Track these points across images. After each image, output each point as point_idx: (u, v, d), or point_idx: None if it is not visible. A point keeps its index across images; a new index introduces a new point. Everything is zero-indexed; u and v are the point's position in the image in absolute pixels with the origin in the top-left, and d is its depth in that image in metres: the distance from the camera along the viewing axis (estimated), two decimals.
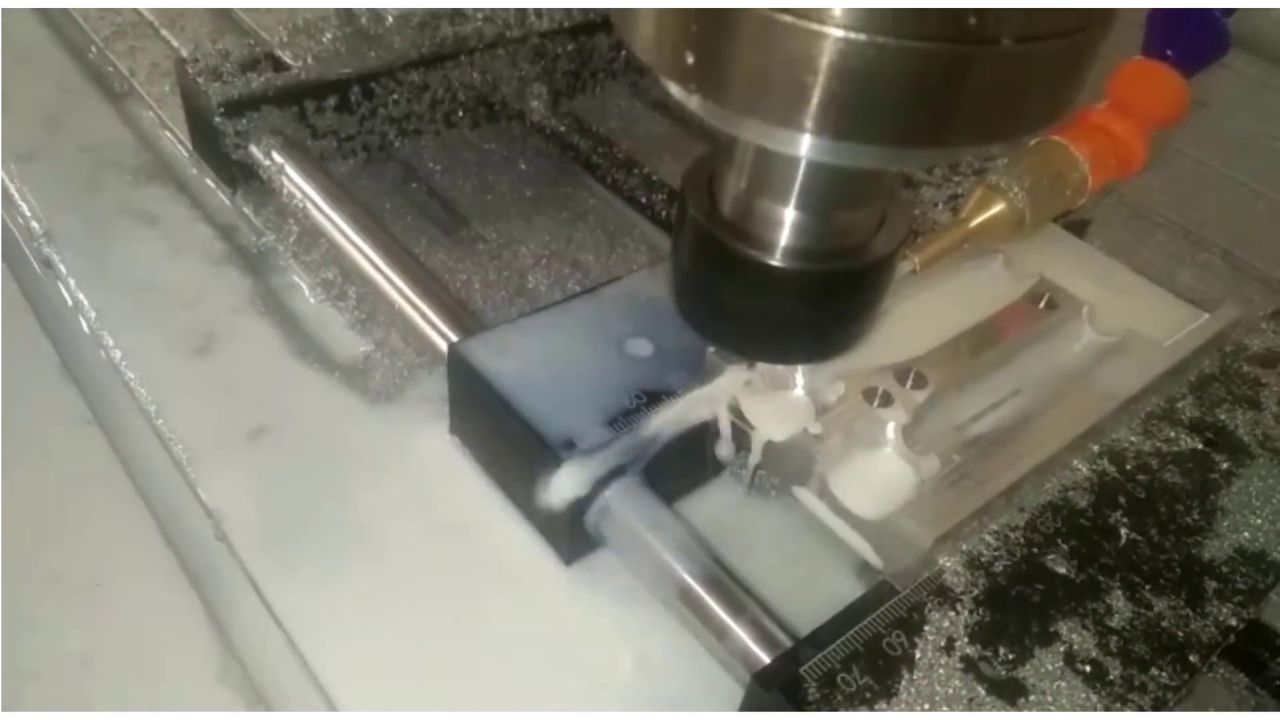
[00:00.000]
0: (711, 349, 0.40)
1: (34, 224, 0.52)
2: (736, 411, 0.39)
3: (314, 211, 0.50)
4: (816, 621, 0.33)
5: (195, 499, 0.41)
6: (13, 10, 0.69)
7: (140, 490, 0.42)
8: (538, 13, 0.60)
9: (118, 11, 0.70)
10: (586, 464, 0.37)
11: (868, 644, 0.32)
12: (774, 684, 0.30)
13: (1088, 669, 0.32)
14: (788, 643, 0.33)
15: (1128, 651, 0.32)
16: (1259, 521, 0.37)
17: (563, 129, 0.61)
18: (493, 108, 0.61)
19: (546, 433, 0.37)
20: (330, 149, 0.55)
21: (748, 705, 0.33)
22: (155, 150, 0.59)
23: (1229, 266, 0.60)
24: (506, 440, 0.39)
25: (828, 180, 0.32)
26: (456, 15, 0.58)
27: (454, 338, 0.43)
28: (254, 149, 0.53)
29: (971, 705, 0.30)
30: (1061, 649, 0.32)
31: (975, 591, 0.34)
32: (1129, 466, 0.39)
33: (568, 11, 0.61)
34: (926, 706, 0.30)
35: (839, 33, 0.23)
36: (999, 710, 0.30)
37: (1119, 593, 0.34)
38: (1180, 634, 0.33)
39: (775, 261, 0.33)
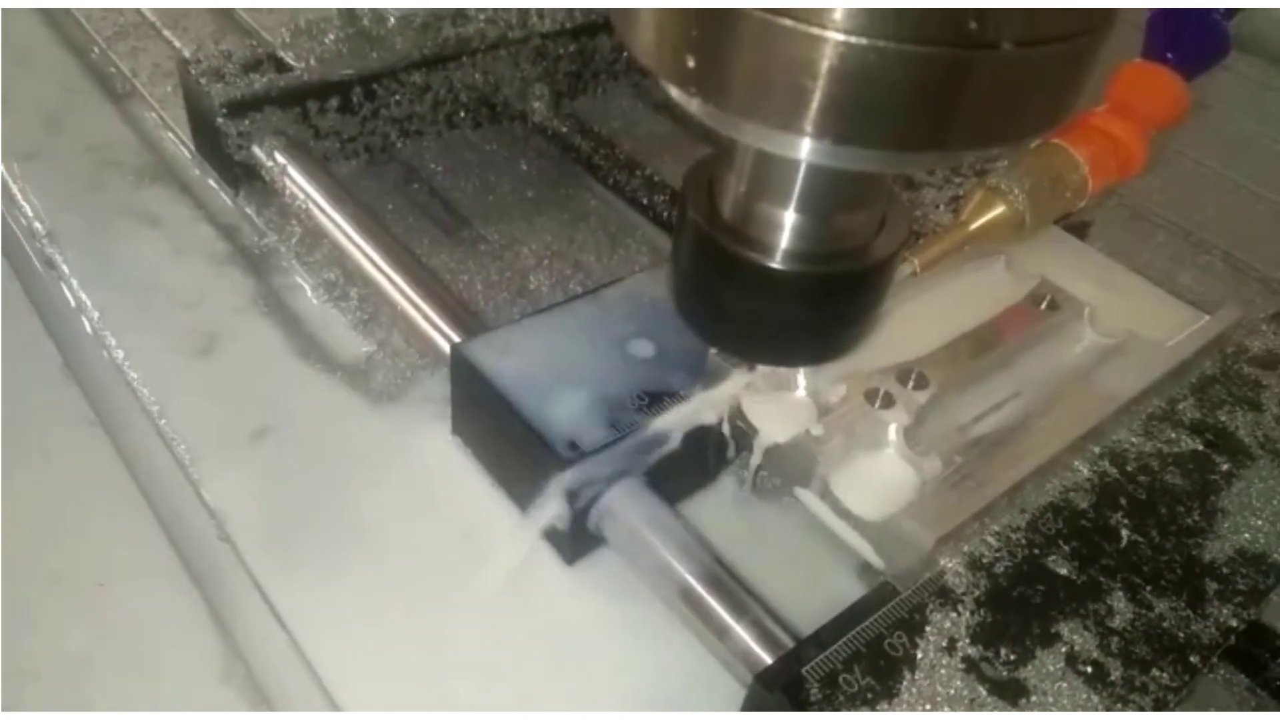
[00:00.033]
0: (714, 350, 0.40)
1: (36, 224, 0.52)
2: (738, 413, 0.39)
3: (316, 212, 0.51)
4: (818, 622, 0.33)
5: (198, 499, 0.41)
6: (15, 10, 0.69)
7: (143, 490, 0.42)
8: (540, 14, 0.60)
9: (120, 12, 0.70)
10: (588, 466, 0.37)
11: (869, 645, 0.32)
12: (776, 684, 0.30)
13: (1089, 670, 0.32)
14: (789, 643, 0.33)
15: (1129, 652, 0.33)
16: (1259, 523, 0.38)
17: (564, 130, 0.61)
18: (495, 109, 0.61)
19: (549, 434, 0.37)
20: (332, 150, 0.56)
21: (749, 705, 0.33)
22: (157, 151, 0.59)
23: (1229, 268, 0.61)
24: (509, 441, 0.40)
25: (828, 183, 0.32)
26: (459, 16, 0.58)
27: (456, 339, 0.43)
28: (256, 150, 0.53)
29: (973, 706, 0.31)
30: (1063, 650, 0.32)
31: (977, 592, 0.34)
32: (1130, 468, 0.39)
33: (569, 13, 0.62)
34: (928, 707, 0.30)
35: (839, 37, 0.23)
36: (1000, 710, 0.31)
37: (1120, 594, 0.34)
38: (1181, 635, 0.33)
39: (775, 264, 0.33)
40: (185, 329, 0.48)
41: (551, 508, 0.38)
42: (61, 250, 0.51)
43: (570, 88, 0.64)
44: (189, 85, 0.54)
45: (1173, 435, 0.41)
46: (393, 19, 0.57)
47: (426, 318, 0.45)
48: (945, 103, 0.25)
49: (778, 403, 0.39)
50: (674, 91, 0.29)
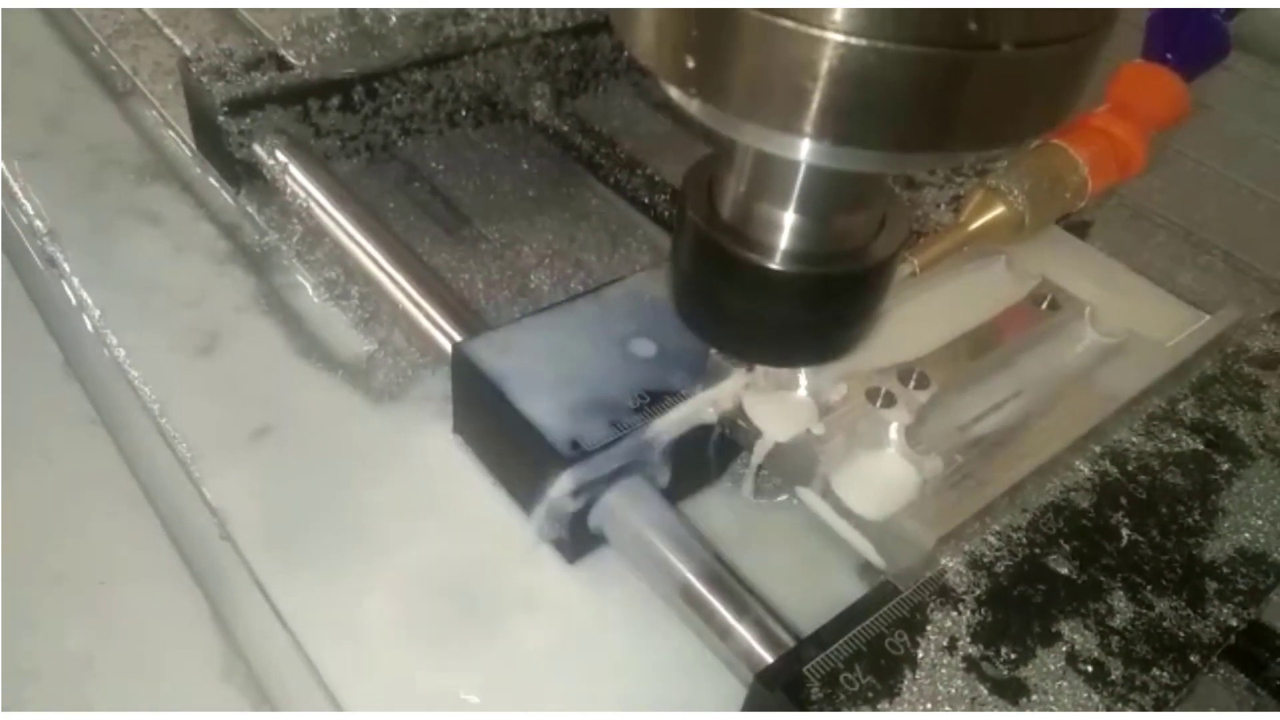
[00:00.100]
0: (714, 349, 0.40)
1: (37, 223, 0.52)
2: (739, 412, 0.39)
3: (317, 211, 0.51)
4: (819, 621, 0.33)
5: (199, 498, 0.41)
6: (16, 10, 0.69)
7: (144, 489, 0.42)
8: (541, 13, 0.60)
9: (121, 10, 0.70)
10: (590, 466, 0.37)
11: (870, 644, 0.32)
12: (777, 683, 0.31)
13: (1089, 669, 0.32)
14: (790, 642, 0.33)
15: (1129, 651, 0.33)
16: (1259, 522, 0.38)
17: (565, 129, 0.61)
18: (496, 107, 0.61)
19: (550, 433, 0.37)
20: (333, 148, 0.56)
21: (750, 705, 0.33)
22: (158, 149, 0.59)
23: (1230, 268, 0.61)
24: (510, 440, 0.40)
25: (827, 184, 0.32)
26: (460, 15, 0.58)
27: (457, 337, 0.43)
28: (257, 148, 0.53)
29: (974, 705, 0.31)
30: (1063, 649, 0.32)
31: (977, 591, 0.34)
32: (1130, 467, 0.39)
33: (571, 12, 0.62)
34: (929, 706, 0.30)
35: (839, 38, 0.23)
36: (1000, 710, 0.31)
37: (1120, 593, 0.34)
38: (1181, 634, 0.33)
39: (775, 265, 0.33)
40: (186, 327, 0.48)
41: (553, 507, 0.38)
42: (62, 249, 0.51)
43: (571, 87, 0.64)
44: (190, 84, 0.54)
45: (1173, 435, 0.41)
46: (394, 17, 0.57)
47: (428, 316, 0.45)
48: (945, 104, 0.25)
49: (779, 402, 0.39)
50: (674, 92, 0.29)
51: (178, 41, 0.67)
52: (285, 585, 0.38)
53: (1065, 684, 0.31)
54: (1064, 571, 0.35)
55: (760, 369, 0.39)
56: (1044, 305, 0.45)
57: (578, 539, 0.39)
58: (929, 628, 0.32)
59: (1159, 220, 0.64)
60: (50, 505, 0.41)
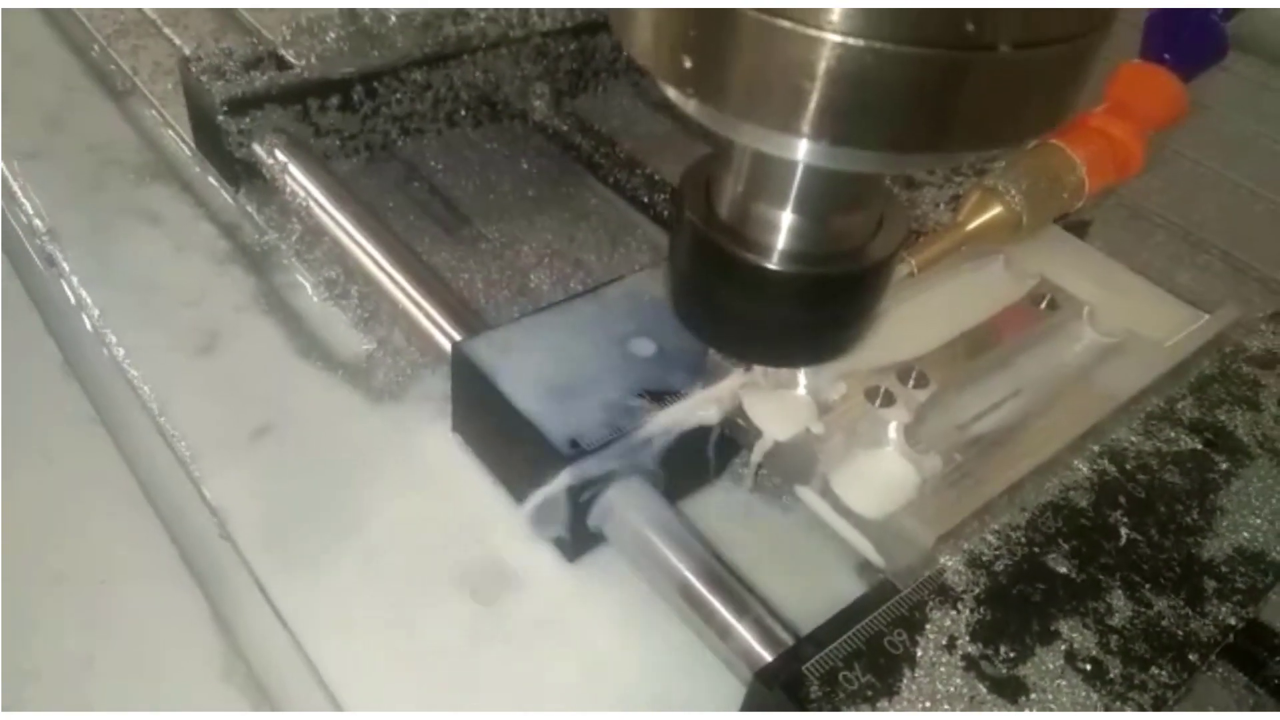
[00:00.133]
0: None
1: (37, 222, 0.52)
2: (739, 411, 0.39)
3: (317, 210, 0.51)
4: (818, 620, 0.33)
5: (199, 497, 0.41)
6: (16, 10, 0.69)
7: (144, 489, 0.42)
8: (540, 12, 0.61)
9: (120, 10, 0.70)
10: (589, 464, 0.37)
11: (869, 642, 0.32)
12: (776, 682, 0.31)
13: (1088, 667, 0.32)
14: (790, 641, 0.33)
15: (1128, 650, 0.33)
16: (1258, 521, 0.38)
17: (565, 128, 0.61)
18: (495, 107, 0.61)
19: (549, 432, 0.37)
20: (333, 148, 0.56)
21: (750, 703, 0.33)
22: (158, 149, 0.59)
23: (1228, 268, 0.61)
24: (509, 439, 0.40)
25: (825, 184, 0.32)
26: (459, 15, 0.58)
27: (457, 337, 0.43)
28: (257, 147, 0.53)
29: (973, 703, 0.31)
30: (1062, 647, 0.32)
31: (976, 590, 0.34)
32: (1129, 466, 0.39)
33: (570, 11, 0.62)
34: (928, 705, 0.30)
35: (836, 38, 0.23)
36: (1000, 708, 0.31)
37: (1119, 592, 0.34)
38: (1180, 633, 0.33)
39: (772, 265, 0.33)
40: (186, 327, 0.48)
41: (552, 506, 0.38)
42: (62, 248, 0.51)
43: (571, 86, 0.64)
44: (190, 83, 0.54)
45: (1172, 434, 0.41)
46: (393, 17, 0.57)
47: (427, 316, 0.45)
48: (943, 104, 0.25)
49: (778, 401, 0.39)
50: (671, 92, 0.29)
51: (177, 41, 0.67)
52: (285, 584, 0.38)
53: (1064, 682, 0.31)
54: (1063, 570, 0.35)
55: (759, 368, 0.39)
56: (1043, 305, 0.45)
57: (577, 538, 0.39)
58: (928, 626, 0.32)
59: (1158, 220, 0.64)
60: (50, 505, 0.41)
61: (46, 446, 0.43)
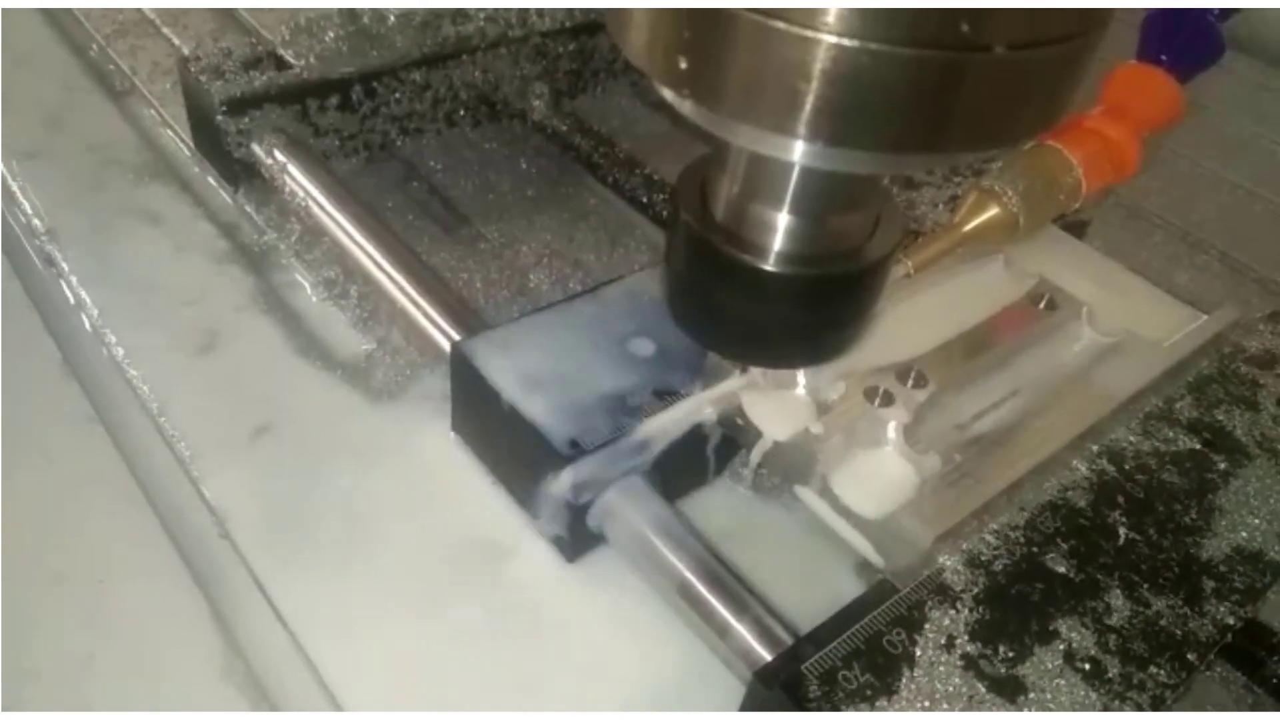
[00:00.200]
0: None
1: (36, 222, 0.52)
2: (738, 411, 0.39)
3: (316, 210, 0.51)
4: (817, 620, 0.33)
5: (198, 496, 0.41)
6: (15, 9, 0.69)
7: (143, 488, 0.42)
8: (539, 12, 0.61)
9: (119, 10, 0.70)
10: (589, 464, 0.37)
11: (868, 642, 0.32)
12: (775, 681, 0.31)
13: (1087, 667, 0.32)
14: (789, 640, 0.34)
15: (1126, 650, 0.33)
16: (1256, 521, 0.38)
17: (564, 128, 0.61)
18: (494, 107, 0.61)
19: (549, 432, 0.37)
20: (332, 147, 0.56)
21: (749, 703, 0.33)
22: (157, 149, 0.59)
23: (1227, 268, 0.61)
24: (509, 439, 0.40)
25: (821, 185, 0.32)
26: (458, 15, 0.58)
27: (456, 336, 0.43)
28: (256, 147, 0.53)
29: (971, 702, 0.31)
30: (1061, 647, 0.32)
31: (975, 590, 0.34)
32: (1128, 466, 0.39)
33: (569, 11, 0.62)
34: (927, 704, 0.31)
35: (831, 39, 0.23)
36: (999, 708, 0.31)
37: (1118, 591, 0.34)
38: (1178, 632, 0.33)
39: (769, 266, 0.33)
40: (185, 327, 0.48)
41: (552, 505, 0.38)
42: (61, 248, 0.51)
43: (570, 86, 0.64)
44: (189, 83, 0.54)
45: (1170, 434, 0.41)
46: (392, 17, 0.57)
47: (426, 315, 0.45)
48: (938, 105, 0.25)
49: (778, 401, 0.39)
50: (667, 93, 0.29)
51: (176, 41, 0.67)
52: (284, 584, 0.38)
53: (1063, 682, 0.32)
54: (1061, 570, 0.35)
55: (758, 368, 0.39)
56: (1041, 305, 0.45)
57: (577, 538, 0.39)
58: (927, 626, 0.33)
59: (1156, 220, 0.64)
60: (49, 504, 0.41)
61: (46, 446, 0.43)
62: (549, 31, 0.61)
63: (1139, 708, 0.31)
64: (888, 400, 0.38)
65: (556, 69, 0.62)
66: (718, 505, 0.42)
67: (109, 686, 0.36)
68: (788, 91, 0.25)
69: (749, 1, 0.24)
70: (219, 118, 0.52)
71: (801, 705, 0.30)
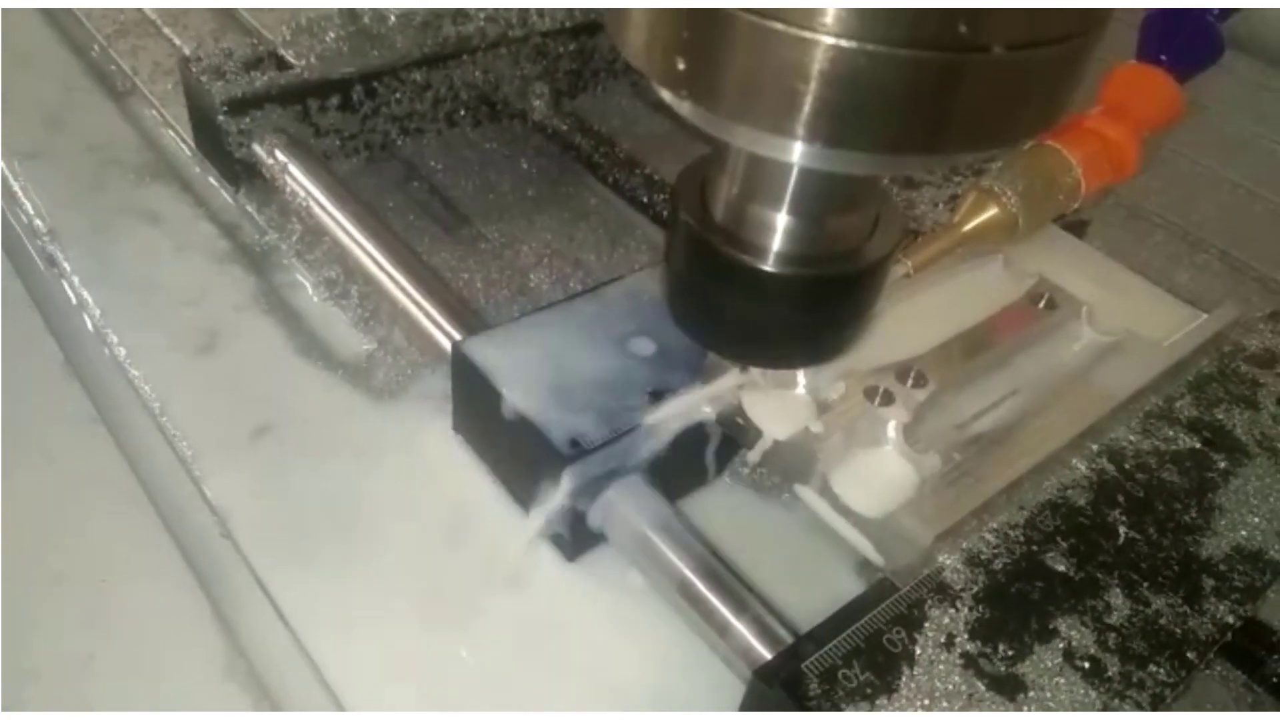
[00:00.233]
0: None
1: (38, 222, 0.52)
2: (738, 410, 0.39)
3: (317, 210, 0.51)
4: (818, 619, 0.33)
5: (200, 496, 0.41)
6: (16, 10, 0.69)
7: (144, 488, 0.42)
8: (540, 12, 0.61)
9: (120, 10, 0.70)
10: (589, 463, 0.37)
11: (869, 640, 0.32)
12: (776, 679, 0.31)
13: (1086, 665, 0.32)
14: (789, 639, 0.34)
15: (1126, 648, 0.33)
16: (1256, 520, 0.38)
17: (564, 128, 0.61)
18: (495, 107, 0.61)
19: (549, 431, 0.37)
20: (333, 148, 0.56)
21: (749, 701, 0.33)
22: (158, 149, 0.59)
23: (1227, 267, 0.61)
24: (509, 438, 0.40)
25: (820, 186, 0.32)
26: (459, 15, 0.58)
27: (457, 336, 0.43)
28: (257, 147, 0.53)
29: (971, 701, 0.31)
30: (1060, 645, 0.32)
31: (975, 589, 0.34)
32: (1128, 465, 0.39)
33: (569, 11, 0.62)
34: (927, 702, 0.31)
35: (829, 40, 0.23)
36: (998, 706, 0.31)
37: (1117, 590, 0.34)
38: (1178, 631, 0.33)
39: (768, 267, 0.33)
40: (186, 327, 0.48)
41: (552, 505, 0.38)
42: (63, 248, 0.51)
43: (570, 86, 0.64)
44: (190, 83, 0.54)
45: (1170, 433, 0.41)
46: (393, 17, 0.57)
47: (427, 315, 0.45)
48: (937, 106, 0.25)
49: (778, 400, 0.39)
50: (665, 94, 0.29)
51: (177, 41, 0.67)
52: (285, 583, 0.38)
53: (1062, 680, 0.32)
54: (1061, 569, 0.35)
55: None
56: (1041, 304, 0.45)
57: (577, 537, 0.39)
58: (927, 624, 0.33)
59: (1156, 220, 0.64)
60: (50, 504, 0.41)
61: (47, 446, 0.43)
62: (549, 31, 0.61)
63: (1139, 706, 0.31)
64: (888, 399, 0.38)
65: (557, 69, 0.63)
66: (718, 504, 0.43)
67: (110, 686, 0.36)
68: (786, 92, 0.25)
69: (747, 2, 0.24)
70: (220, 118, 0.52)
71: (802, 704, 0.30)
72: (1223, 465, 0.40)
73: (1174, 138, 0.68)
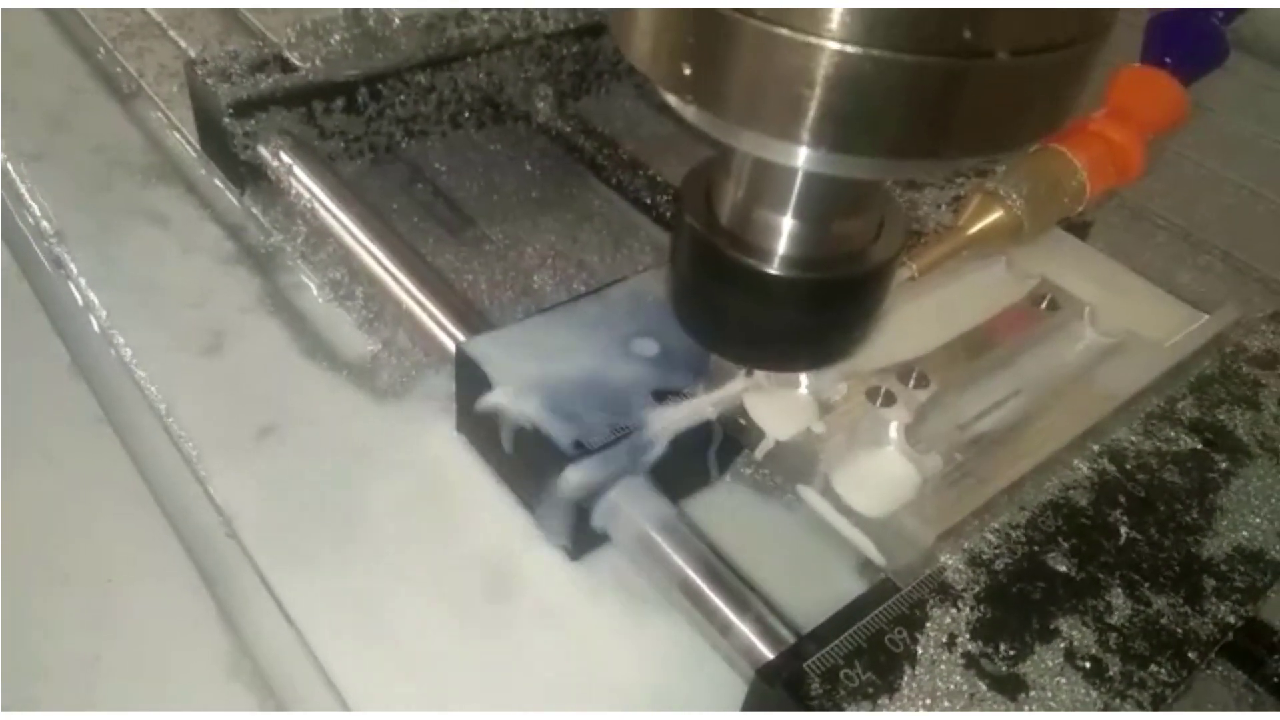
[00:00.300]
0: None
1: (44, 224, 0.53)
2: (741, 410, 0.39)
3: (322, 211, 0.51)
4: (819, 618, 0.33)
5: (205, 496, 0.41)
6: (22, 11, 0.69)
7: (150, 488, 0.42)
8: (543, 14, 0.61)
9: (126, 12, 0.70)
10: (592, 464, 0.37)
11: (870, 640, 0.32)
12: (778, 679, 0.31)
13: (1087, 665, 0.32)
14: (791, 639, 0.34)
15: (1127, 648, 0.33)
16: (1257, 520, 0.38)
17: (568, 130, 0.62)
18: (499, 109, 0.61)
19: (553, 431, 0.37)
20: (338, 149, 0.56)
21: (751, 701, 0.33)
22: (164, 150, 0.59)
23: (1229, 268, 0.61)
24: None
25: (825, 190, 0.32)
26: (463, 17, 0.59)
27: (461, 337, 0.43)
28: (262, 149, 0.53)
29: (972, 700, 0.31)
30: (1062, 645, 0.33)
31: (976, 589, 0.34)
32: (1129, 466, 0.39)
33: (573, 13, 0.62)
34: (928, 702, 0.31)
35: (834, 45, 0.24)
36: (1000, 706, 0.31)
37: (1119, 590, 0.34)
38: (1179, 631, 0.34)
39: (773, 270, 0.33)
40: (192, 328, 0.48)
41: (555, 505, 0.38)
42: (69, 249, 0.51)
43: (574, 88, 0.65)
44: (195, 85, 0.54)
45: (1172, 434, 0.41)
46: (398, 20, 0.57)
47: (431, 316, 0.45)
48: (942, 111, 0.25)
49: (780, 400, 0.39)
50: (671, 98, 0.29)
51: (183, 43, 0.68)
52: (290, 583, 0.38)
53: (1063, 680, 0.32)
54: (1062, 569, 0.35)
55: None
56: (1043, 305, 0.45)
57: (580, 536, 0.39)
58: (928, 624, 0.33)
59: (1159, 221, 0.64)
60: (56, 504, 0.41)
61: (53, 446, 0.43)
62: (553, 33, 0.61)
63: (1139, 706, 0.31)
64: (889, 400, 0.38)
65: (560, 71, 0.63)
66: (720, 505, 0.43)
67: (116, 686, 0.36)
68: (792, 98, 0.25)
69: (753, 6, 0.24)
70: (225, 120, 0.52)
71: (804, 703, 0.30)
72: (1224, 466, 0.40)
73: (1177, 139, 0.68)
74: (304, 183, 0.52)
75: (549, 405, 0.38)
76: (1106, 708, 0.31)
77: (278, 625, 0.37)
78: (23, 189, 0.54)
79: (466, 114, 0.60)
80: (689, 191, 0.35)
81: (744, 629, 0.34)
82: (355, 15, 0.57)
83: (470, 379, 0.41)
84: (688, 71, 0.26)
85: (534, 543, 0.40)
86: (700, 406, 0.39)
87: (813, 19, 0.23)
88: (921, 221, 0.51)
